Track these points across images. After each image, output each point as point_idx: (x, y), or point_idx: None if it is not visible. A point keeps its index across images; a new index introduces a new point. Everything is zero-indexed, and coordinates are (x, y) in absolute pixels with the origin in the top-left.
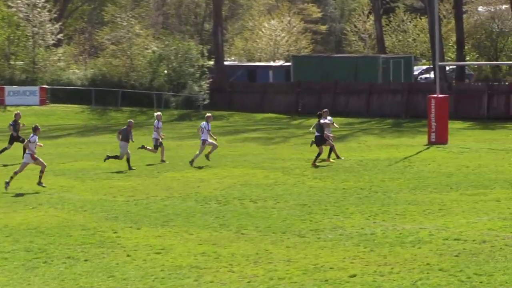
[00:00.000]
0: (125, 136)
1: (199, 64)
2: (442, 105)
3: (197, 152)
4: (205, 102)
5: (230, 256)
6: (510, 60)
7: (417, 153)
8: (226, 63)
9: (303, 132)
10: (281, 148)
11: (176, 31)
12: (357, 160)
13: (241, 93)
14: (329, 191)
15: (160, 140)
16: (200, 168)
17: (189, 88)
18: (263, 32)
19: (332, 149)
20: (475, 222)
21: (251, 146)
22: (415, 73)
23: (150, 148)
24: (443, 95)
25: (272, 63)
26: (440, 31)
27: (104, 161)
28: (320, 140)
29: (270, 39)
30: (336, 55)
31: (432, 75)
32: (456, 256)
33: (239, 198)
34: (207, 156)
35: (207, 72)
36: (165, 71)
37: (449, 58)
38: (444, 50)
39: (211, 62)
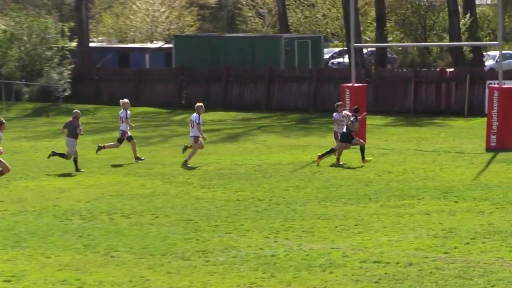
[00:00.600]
0: (72, 131)
1: (59, 46)
2: (358, 96)
3: (192, 151)
4: (66, 93)
5: (97, 285)
6: (442, 41)
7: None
8: (92, 44)
9: (187, 130)
10: (160, 149)
11: (30, 5)
12: (254, 165)
13: (110, 81)
14: (220, 203)
15: (129, 133)
16: (61, 176)
17: (46, 76)
18: (137, 6)
19: (363, 149)
20: (399, 241)
21: (122, 148)
22: (326, 57)
23: (111, 143)
24: (359, 84)
25: (149, 45)
26: (356, 5)
27: (48, 157)
28: (346, 138)
29: (146, 15)
30: (228, 35)
31: (346, 59)
32: (376, 282)
33: (108, 213)
34: (184, 150)
35: (69, 56)
36: (16, 55)
37: (367, 39)
38: (361, 28)
39: (74, 44)
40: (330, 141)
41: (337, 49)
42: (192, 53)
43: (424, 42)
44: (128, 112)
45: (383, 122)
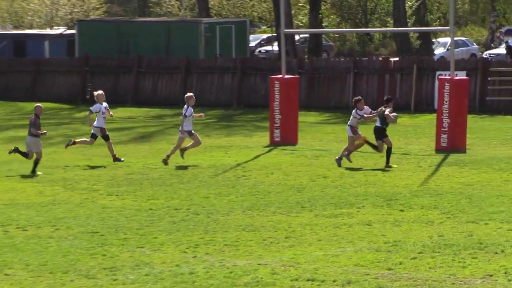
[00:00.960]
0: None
1: None
2: (290, 90)
3: (189, 144)
4: None
5: None
6: (385, 26)
7: (255, 157)
8: None
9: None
10: (61, 152)
11: None
12: (170, 169)
13: (3, 73)
14: (130, 212)
15: (106, 131)
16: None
17: None
18: None
19: (389, 152)
20: (337, 255)
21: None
22: (252, 44)
23: (83, 139)
24: (291, 76)
25: (48, 31)
26: None
27: (9, 153)
28: (381, 133)
29: None
30: (139, 19)
31: (275, 47)
32: None
33: (2, 224)
34: (182, 152)
35: None
36: None
37: (299, 24)
38: (292, 12)
39: None
40: (257, 141)
41: (265, 36)
42: (98, 40)
43: (365, 27)
44: (106, 105)
45: (318, 119)
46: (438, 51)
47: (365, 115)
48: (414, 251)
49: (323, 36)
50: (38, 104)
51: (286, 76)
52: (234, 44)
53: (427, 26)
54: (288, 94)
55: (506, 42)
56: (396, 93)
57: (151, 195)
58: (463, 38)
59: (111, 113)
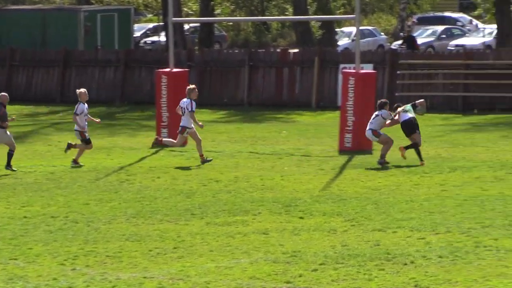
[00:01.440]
0: None
1: None
2: (178, 85)
3: (174, 141)
4: None
5: None
6: (283, 14)
7: (140, 160)
8: None
9: None
10: None
11: None
12: (46, 172)
13: None
14: (2, 221)
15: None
16: None
17: None
18: None
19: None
20: (230, 267)
21: None
22: (137, 34)
23: (79, 144)
24: (179, 69)
25: None
26: None
27: None
28: (413, 126)
29: None
30: (11, 7)
31: (163, 37)
32: None
33: None
34: (202, 160)
35: None
36: None
37: (189, 12)
38: None
39: None
40: (142, 141)
41: (151, 25)
42: None
43: (261, 15)
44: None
45: (210, 118)
46: (342, 42)
47: (389, 120)
48: (315, 262)
49: (215, 25)
50: (3, 93)
51: (175, 70)
52: (117, 34)
53: (330, 14)
54: (177, 89)
55: (403, 33)
56: (296, 88)
57: (25, 202)
58: (370, 28)
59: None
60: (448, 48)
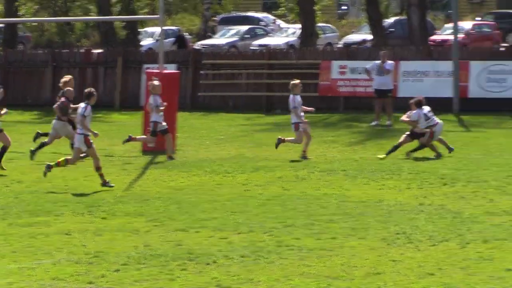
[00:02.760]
0: None
1: None
2: None
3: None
4: None
5: None
6: (87, 14)
7: None
8: None
9: None
10: None
11: None
12: None
13: None
14: None
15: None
16: None
17: None
18: None
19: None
20: (32, 268)
21: None
22: None
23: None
24: None
25: None
26: None
27: None
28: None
29: None
30: None
31: None
32: None
33: None
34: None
35: None
36: None
37: None
38: None
39: None
40: None
41: None
42: None
43: (65, 16)
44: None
45: (15, 119)
46: (146, 42)
47: (407, 119)
48: (118, 262)
49: (19, 25)
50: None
51: None
52: None
53: (134, 15)
54: None
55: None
56: (100, 89)
57: None
58: (173, 28)
59: None
60: (251, 48)
